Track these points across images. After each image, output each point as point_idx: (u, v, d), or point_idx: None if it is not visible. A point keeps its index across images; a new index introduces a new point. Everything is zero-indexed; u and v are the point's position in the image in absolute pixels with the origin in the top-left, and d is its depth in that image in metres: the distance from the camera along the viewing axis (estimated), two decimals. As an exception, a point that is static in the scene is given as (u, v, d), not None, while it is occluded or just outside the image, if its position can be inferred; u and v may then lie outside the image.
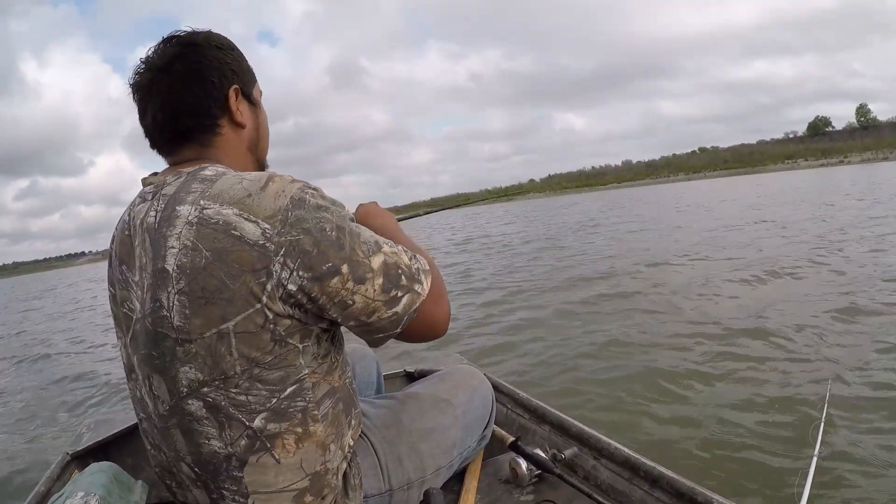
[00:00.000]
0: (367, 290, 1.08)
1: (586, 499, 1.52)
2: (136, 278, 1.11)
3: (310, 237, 1.02)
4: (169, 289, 1.02)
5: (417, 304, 1.15)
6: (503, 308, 7.78)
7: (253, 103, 1.30)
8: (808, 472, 1.35)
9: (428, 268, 1.20)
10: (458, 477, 1.64)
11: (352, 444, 1.26)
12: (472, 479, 1.65)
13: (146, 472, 1.89)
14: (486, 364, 4.98)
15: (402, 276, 1.13)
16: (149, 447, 1.25)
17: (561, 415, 1.88)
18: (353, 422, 1.27)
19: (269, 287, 1.01)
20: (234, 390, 1.05)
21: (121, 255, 1.17)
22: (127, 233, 1.15)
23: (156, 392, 1.11)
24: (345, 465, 1.24)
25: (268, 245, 1.00)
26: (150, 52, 1.20)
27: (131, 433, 2.05)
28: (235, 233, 1.00)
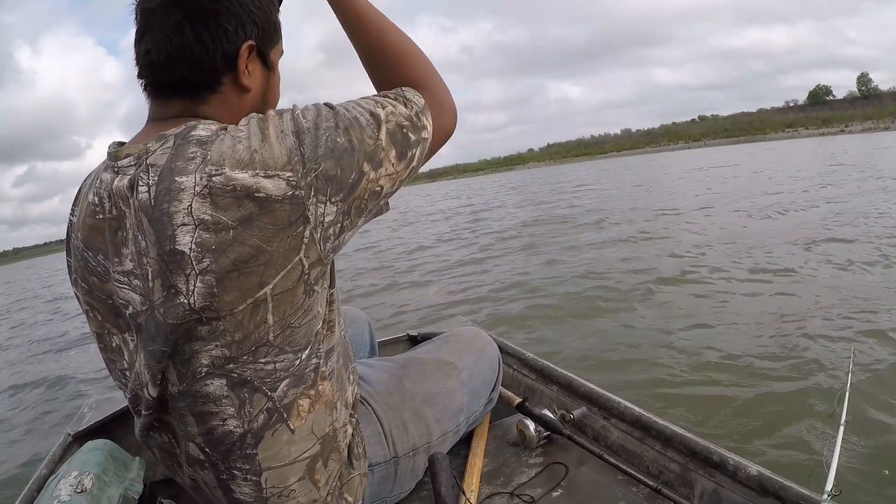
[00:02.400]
0: (386, 168, 1.03)
1: (597, 460, 1.49)
2: (126, 267, 1.00)
3: (330, 159, 0.96)
4: (188, 271, 0.92)
5: (428, 146, 1.12)
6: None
7: (269, 66, 1.14)
8: (836, 438, 1.31)
9: (423, 102, 1.12)
10: (465, 441, 1.61)
11: (353, 398, 1.22)
12: (480, 443, 1.62)
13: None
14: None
15: (409, 133, 1.07)
16: (144, 430, 1.15)
17: (569, 374, 1.84)
18: (351, 376, 1.23)
19: (307, 234, 0.96)
20: (262, 360, 0.99)
21: (91, 243, 1.05)
22: (100, 217, 1.02)
23: (166, 377, 1.02)
24: (350, 429, 1.20)
25: (297, 192, 0.93)
26: None
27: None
28: (260, 194, 0.91)
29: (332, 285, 1.13)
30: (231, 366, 0.98)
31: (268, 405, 1.02)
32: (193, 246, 0.91)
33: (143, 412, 1.09)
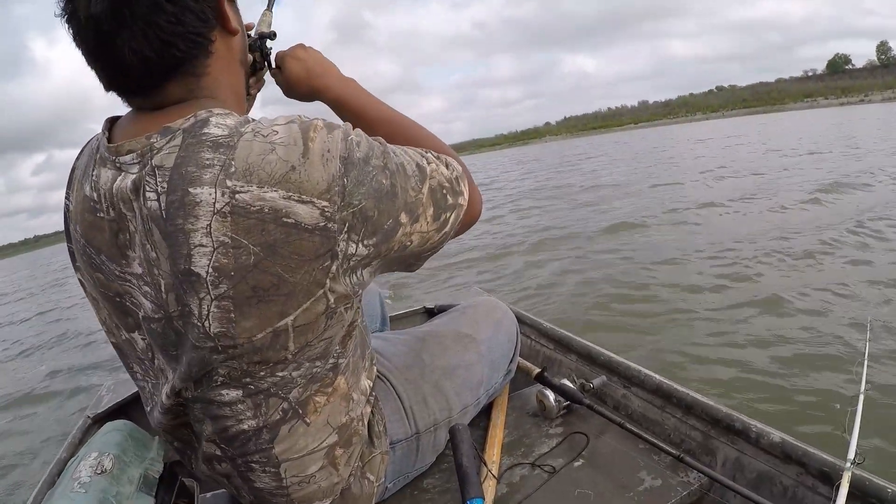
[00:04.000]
0: (421, 225, 0.96)
1: (618, 429, 1.46)
2: (135, 270, 0.90)
3: (371, 199, 0.87)
4: (202, 295, 0.83)
5: (462, 215, 1.05)
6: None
7: None
8: (856, 409, 1.29)
9: (461, 169, 1.07)
10: (485, 412, 1.59)
11: (370, 384, 1.18)
12: (500, 414, 1.60)
13: None
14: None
15: (447, 195, 1.01)
16: (159, 423, 1.09)
17: (588, 343, 1.81)
18: (366, 363, 1.17)
19: (333, 268, 0.86)
20: (280, 373, 0.94)
21: (92, 240, 0.94)
22: (99, 215, 0.91)
23: (174, 387, 0.97)
24: (368, 410, 1.16)
25: (330, 225, 0.83)
26: None
27: None
28: (288, 220, 0.81)
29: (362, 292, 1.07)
30: (247, 379, 0.93)
31: (283, 405, 0.98)
32: (210, 269, 0.81)
33: (160, 403, 1.03)
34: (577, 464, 1.39)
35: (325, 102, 1.20)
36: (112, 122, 0.96)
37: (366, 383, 1.15)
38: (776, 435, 1.24)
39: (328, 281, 0.87)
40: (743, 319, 3.96)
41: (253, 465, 1.04)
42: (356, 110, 1.17)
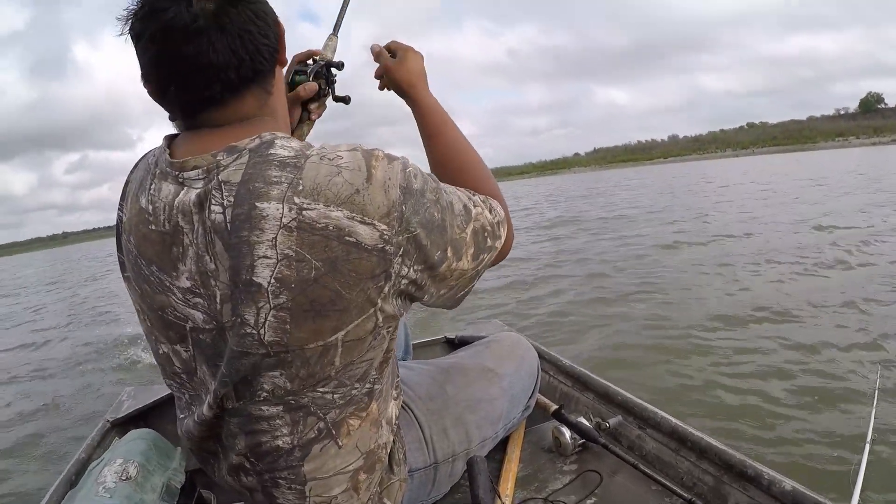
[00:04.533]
0: (462, 263, 1.02)
1: (631, 469, 1.47)
2: (183, 284, 0.93)
3: (424, 229, 0.93)
4: (260, 304, 0.87)
5: (494, 257, 1.10)
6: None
7: (282, 34, 1.04)
8: (861, 458, 1.29)
9: (503, 214, 1.13)
10: (501, 445, 1.60)
11: (396, 413, 1.19)
12: (515, 449, 1.62)
13: None
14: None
15: (487, 238, 1.06)
16: (189, 432, 1.13)
17: (605, 382, 1.82)
18: (394, 392, 1.20)
19: (386, 289, 0.92)
20: (321, 391, 0.97)
21: (144, 252, 0.97)
22: (153, 227, 0.94)
23: (218, 395, 0.99)
24: (391, 438, 1.18)
25: (387, 248, 0.89)
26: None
27: (171, 401, 2.02)
28: (350, 239, 0.86)
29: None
30: (290, 397, 0.96)
31: (319, 425, 1.01)
32: (273, 280, 0.85)
33: (199, 415, 1.06)
34: (589, 502, 1.40)
35: (414, 106, 1.28)
36: (170, 140, 0.99)
37: (393, 412, 1.17)
38: (787, 483, 1.24)
39: (380, 300, 0.92)
40: (762, 352, 4.00)
41: (280, 481, 1.05)
42: (437, 125, 1.25)
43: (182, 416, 1.15)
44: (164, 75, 0.90)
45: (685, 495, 1.32)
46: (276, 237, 0.84)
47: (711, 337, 4.52)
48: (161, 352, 1.06)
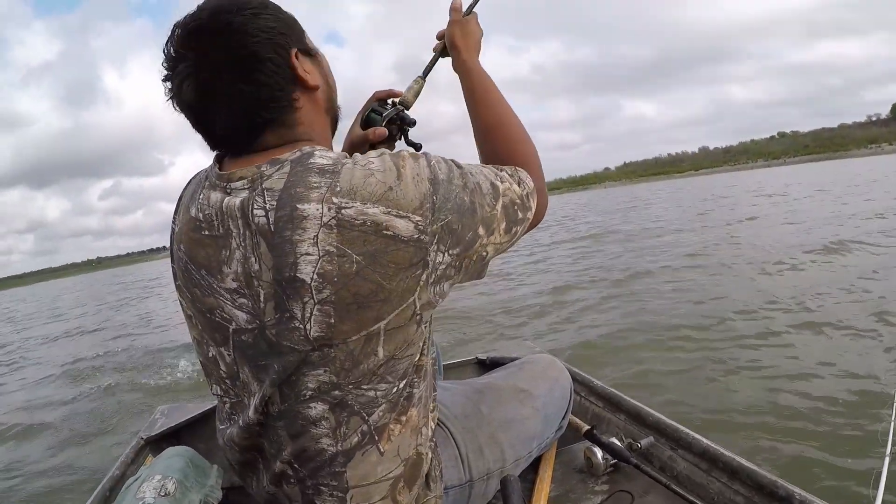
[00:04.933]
0: (495, 237, 1.06)
1: (663, 489, 1.47)
2: (229, 285, 0.99)
3: (455, 214, 0.98)
4: (305, 299, 0.91)
5: (527, 226, 1.15)
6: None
7: (312, 53, 1.11)
8: (881, 470, 1.28)
9: (532, 185, 1.16)
10: (533, 465, 1.60)
11: (433, 426, 1.20)
12: (547, 469, 1.62)
13: (219, 457, 1.91)
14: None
15: (518, 211, 1.11)
16: (226, 445, 1.17)
17: (637, 403, 1.82)
18: (431, 403, 1.20)
19: (423, 277, 0.96)
20: (365, 386, 0.99)
21: (194, 257, 1.04)
22: (205, 233, 1.01)
23: (265, 396, 1.02)
24: (429, 453, 1.19)
25: (423, 238, 0.93)
26: (174, 50, 0.99)
27: (204, 419, 2.06)
28: (388, 232, 0.91)
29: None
30: (336, 392, 0.98)
31: (362, 428, 1.02)
32: (315, 276, 0.90)
33: (244, 419, 1.09)
34: None
35: (459, 67, 1.37)
36: (220, 158, 1.08)
37: (431, 424, 1.18)
38: (818, 503, 1.24)
39: (418, 289, 0.96)
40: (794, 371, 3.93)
41: (322, 487, 1.06)
42: (477, 88, 1.31)
43: (223, 426, 1.17)
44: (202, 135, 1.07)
45: None
46: (317, 235, 0.89)
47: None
48: (210, 355, 1.10)
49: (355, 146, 1.39)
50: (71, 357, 9.43)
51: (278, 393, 1.01)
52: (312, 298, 0.91)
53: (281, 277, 0.92)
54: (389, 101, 1.42)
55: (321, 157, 0.95)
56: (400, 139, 1.39)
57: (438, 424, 1.31)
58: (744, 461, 1.42)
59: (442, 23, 1.40)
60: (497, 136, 1.25)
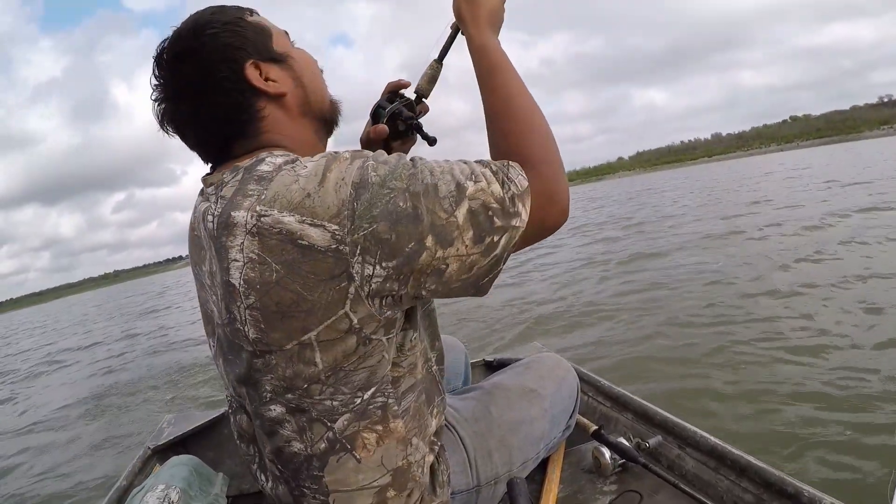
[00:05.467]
0: (457, 249, 0.93)
1: (672, 489, 1.46)
2: (209, 282, 1.03)
3: (385, 222, 0.89)
4: (238, 303, 0.93)
5: (518, 238, 0.98)
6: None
7: (280, 59, 1.11)
8: None
9: (525, 186, 0.98)
10: (541, 466, 1.60)
11: (436, 431, 1.19)
12: (555, 469, 1.62)
13: (226, 466, 1.92)
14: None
15: (495, 218, 0.95)
16: (237, 438, 1.20)
17: (644, 402, 1.81)
18: (435, 410, 1.19)
19: (351, 290, 0.90)
20: (318, 396, 0.98)
21: (193, 256, 1.11)
22: (196, 233, 1.07)
23: (240, 394, 1.06)
24: (431, 458, 1.18)
25: (341, 248, 0.88)
26: (154, 80, 1.08)
27: (211, 427, 2.08)
28: (303, 242, 0.88)
29: (414, 328, 1.11)
30: (289, 395, 0.98)
31: (328, 435, 1.01)
32: (242, 282, 0.91)
33: (234, 416, 1.16)
34: None
35: (469, 43, 1.18)
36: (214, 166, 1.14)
37: (433, 429, 1.17)
38: (827, 500, 1.22)
39: (348, 301, 0.91)
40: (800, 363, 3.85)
41: (304, 490, 1.07)
42: (486, 68, 1.13)
43: (232, 419, 1.21)
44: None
45: None
46: (243, 242, 0.91)
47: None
48: (211, 345, 1.15)
49: (368, 145, 1.36)
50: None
51: (246, 391, 1.04)
52: (242, 302, 0.93)
53: (223, 280, 0.95)
54: (402, 91, 1.35)
55: (267, 164, 0.96)
56: (412, 133, 1.33)
57: (448, 428, 1.31)
58: (752, 459, 1.41)
59: (444, 25, 1.26)
60: (498, 125, 1.08)
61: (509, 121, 1.08)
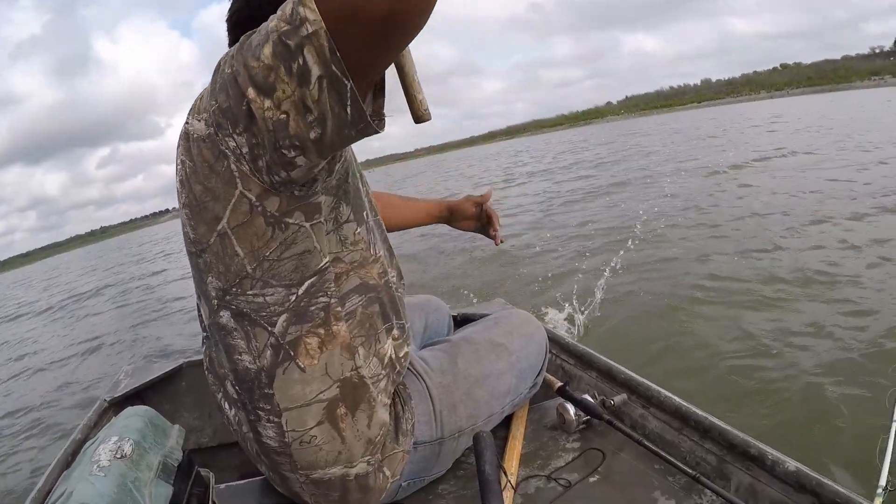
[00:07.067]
0: (283, 91, 0.82)
1: (635, 447, 1.44)
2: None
3: (222, 94, 0.89)
4: (180, 205, 1.04)
5: (322, 40, 0.77)
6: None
7: None
8: (888, 437, 1.24)
9: None
10: (505, 422, 1.58)
11: (394, 358, 1.20)
12: (520, 425, 1.60)
13: (183, 419, 1.90)
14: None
15: (287, 40, 0.79)
16: (206, 370, 1.24)
17: (609, 361, 1.78)
18: (396, 332, 1.19)
19: (233, 167, 0.95)
20: (251, 292, 1.03)
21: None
22: None
23: (202, 310, 1.12)
24: (390, 387, 1.19)
25: (209, 131, 0.95)
26: None
27: (168, 380, 2.03)
28: (195, 135, 0.98)
29: (359, 223, 1.12)
30: (228, 297, 1.04)
31: (271, 341, 1.05)
32: (178, 183, 1.04)
33: (206, 350, 1.20)
34: (592, 479, 1.38)
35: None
36: None
37: (390, 353, 1.18)
38: (791, 464, 1.20)
39: (237, 180, 0.96)
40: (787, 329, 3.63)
41: (259, 412, 1.10)
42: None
43: (206, 352, 1.24)
44: None
45: (689, 472, 1.28)
46: (179, 145, 1.03)
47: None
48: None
49: None
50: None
51: (205, 304, 1.09)
52: (181, 202, 1.03)
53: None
54: None
55: None
56: None
57: (416, 377, 1.30)
58: (715, 420, 1.39)
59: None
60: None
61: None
